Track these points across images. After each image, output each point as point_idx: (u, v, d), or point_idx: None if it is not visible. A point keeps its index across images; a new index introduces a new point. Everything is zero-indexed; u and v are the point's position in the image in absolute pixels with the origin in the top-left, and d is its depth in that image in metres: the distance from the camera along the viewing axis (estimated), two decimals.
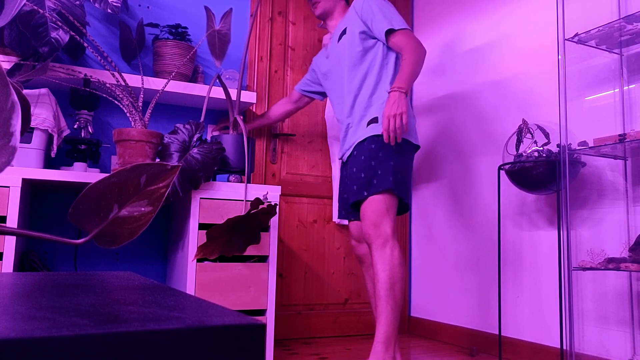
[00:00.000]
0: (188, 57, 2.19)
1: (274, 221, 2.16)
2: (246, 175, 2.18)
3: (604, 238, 2.07)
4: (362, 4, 2.12)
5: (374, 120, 2.04)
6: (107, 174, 0.89)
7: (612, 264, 1.81)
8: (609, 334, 2.02)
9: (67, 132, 2.12)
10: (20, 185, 1.81)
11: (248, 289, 2.08)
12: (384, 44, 2.11)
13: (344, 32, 2.17)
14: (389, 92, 1.95)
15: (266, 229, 2.15)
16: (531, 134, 2.18)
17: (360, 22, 2.12)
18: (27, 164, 1.94)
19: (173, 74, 2.11)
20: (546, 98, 2.37)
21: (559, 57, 2.10)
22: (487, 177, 2.65)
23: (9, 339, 0.34)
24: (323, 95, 2.50)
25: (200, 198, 2.05)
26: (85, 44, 1.87)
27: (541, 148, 2.11)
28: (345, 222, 2.91)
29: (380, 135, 1.99)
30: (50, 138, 2.04)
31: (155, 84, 2.30)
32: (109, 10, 2.10)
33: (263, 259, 2.16)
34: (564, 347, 2.01)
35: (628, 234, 2.00)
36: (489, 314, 2.57)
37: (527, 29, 2.50)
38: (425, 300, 3.00)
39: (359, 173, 2.01)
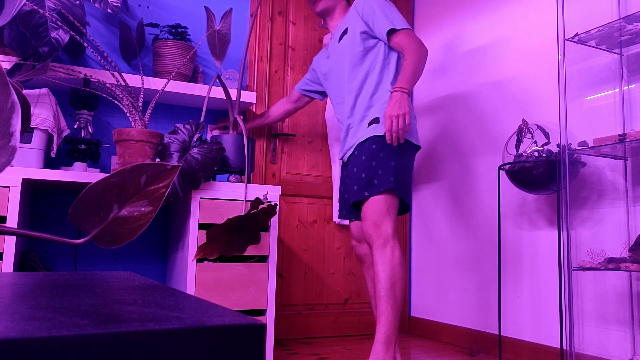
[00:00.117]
0: (188, 57, 2.19)
1: (274, 221, 2.16)
2: (246, 175, 2.18)
3: (604, 238, 2.07)
4: (363, 4, 2.11)
5: (375, 120, 2.04)
6: (107, 174, 0.89)
7: (612, 264, 1.81)
8: (609, 334, 2.02)
9: (67, 132, 2.12)
10: (20, 185, 1.81)
11: (248, 289, 2.08)
12: (385, 44, 2.10)
13: (345, 32, 2.17)
14: (391, 92, 1.95)
15: (266, 229, 2.15)
16: (531, 134, 2.18)
17: (362, 22, 2.11)
18: (27, 164, 1.94)
19: (173, 74, 2.11)
20: (546, 98, 2.37)
21: (559, 57, 2.10)
22: (487, 177, 2.65)
23: (9, 339, 0.34)
24: (323, 95, 2.49)
25: (200, 198, 2.05)
26: (85, 44, 1.87)
27: (541, 148, 2.11)
28: (346, 222, 2.91)
29: (381, 136, 1.99)
30: (50, 138, 2.04)
31: (155, 84, 2.30)
32: (109, 10, 2.10)
33: (263, 259, 2.16)
34: (564, 347, 2.01)
35: (628, 234, 2.00)
36: (489, 314, 2.57)
37: (527, 29, 2.50)
38: (425, 300, 3.00)
39: (359, 173, 2.01)
